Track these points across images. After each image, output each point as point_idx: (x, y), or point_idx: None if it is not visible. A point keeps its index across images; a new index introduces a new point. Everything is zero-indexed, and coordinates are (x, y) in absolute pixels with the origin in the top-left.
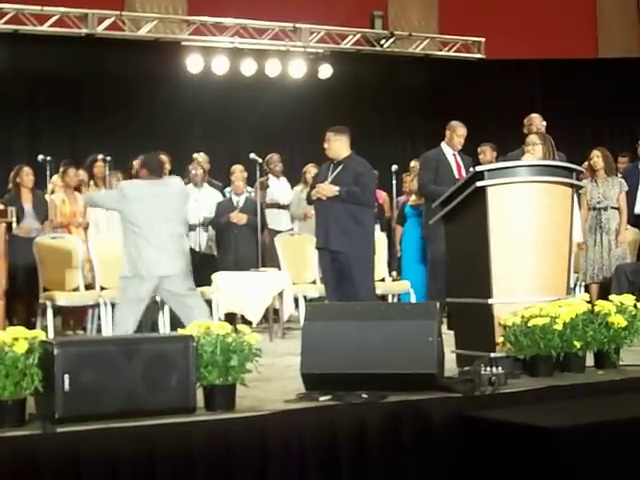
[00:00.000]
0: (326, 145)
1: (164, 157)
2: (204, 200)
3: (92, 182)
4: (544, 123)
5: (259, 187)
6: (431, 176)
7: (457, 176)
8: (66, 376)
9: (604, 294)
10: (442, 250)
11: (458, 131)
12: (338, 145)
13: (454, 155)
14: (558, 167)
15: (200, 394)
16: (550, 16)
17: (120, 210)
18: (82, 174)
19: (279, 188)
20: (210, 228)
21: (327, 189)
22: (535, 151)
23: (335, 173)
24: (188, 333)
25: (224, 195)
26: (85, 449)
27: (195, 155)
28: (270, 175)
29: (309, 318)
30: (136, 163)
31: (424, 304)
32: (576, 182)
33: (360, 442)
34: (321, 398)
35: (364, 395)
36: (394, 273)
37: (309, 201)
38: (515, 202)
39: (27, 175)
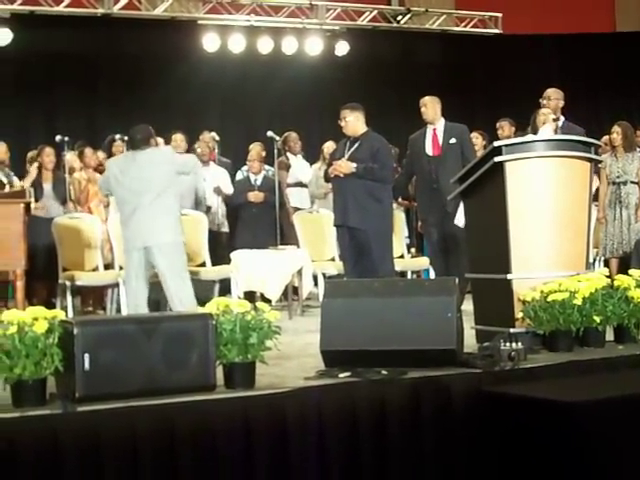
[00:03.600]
0: (342, 123)
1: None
2: (209, 179)
3: None
4: (562, 101)
5: (281, 167)
6: (408, 160)
7: (430, 151)
8: (86, 355)
9: (624, 269)
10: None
11: (420, 105)
12: (354, 122)
13: (434, 129)
14: (576, 142)
15: (220, 372)
16: None
17: (110, 189)
18: (101, 155)
19: (300, 167)
20: (220, 204)
21: (344, 166)
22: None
23: (352, 150)
24: (207, 311)
25: (233, 173)
26: (105, 428)
27: (206, 135)
28: (289, 154)
29: (328, 295)
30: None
31: (443, 280)
32: (594, 156)
33: (380, 418)
34: (341, 375)
35: (384, 371)
36: (413, 250)
37: (326, 178)
38: (533, 177)
39: (48, 156)
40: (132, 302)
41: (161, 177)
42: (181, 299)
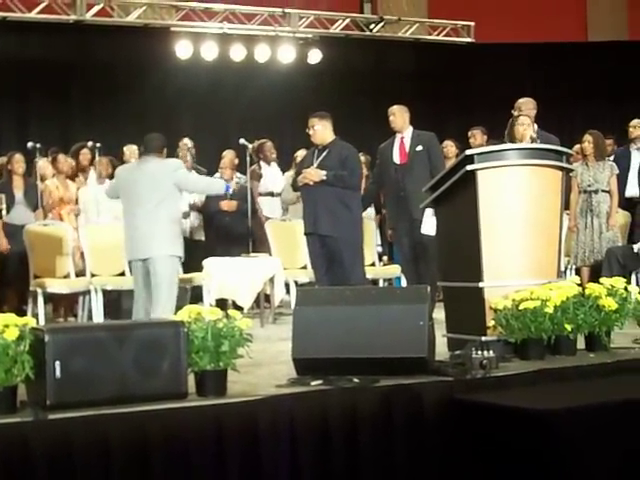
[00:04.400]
0: (310, 131)
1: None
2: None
3: (82, 169)
4: (534, 110)
5: (253, 177)
6: (377, 169)
7: (397, 159)
8: (57, 363)
9: (595, 277)
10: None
11: (388, 114)
12: (322, 130)
13: (402, 137)
14: (548, 150)
15: (192, 380)
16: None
17: (118, 195)
18: (70, 162)
19: (271, 177)
20: (196, 214)
21: (314, 174)
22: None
23: (321, 158)
24: (179, 319)
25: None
26: (77, 436)
27: (185, 141)
28: (262, 162)
29: (300, 303)
30: None
31: (414, 288)
32: (566, 165)
33: (352, 426)
34: (312, 383)
35: (355, 379)
36: (385, 257)
37: (295, 187)
38: (505, 185)
39: (18, 162)
40: (141, 311)
41: (161, 188)
42: (162, 312)
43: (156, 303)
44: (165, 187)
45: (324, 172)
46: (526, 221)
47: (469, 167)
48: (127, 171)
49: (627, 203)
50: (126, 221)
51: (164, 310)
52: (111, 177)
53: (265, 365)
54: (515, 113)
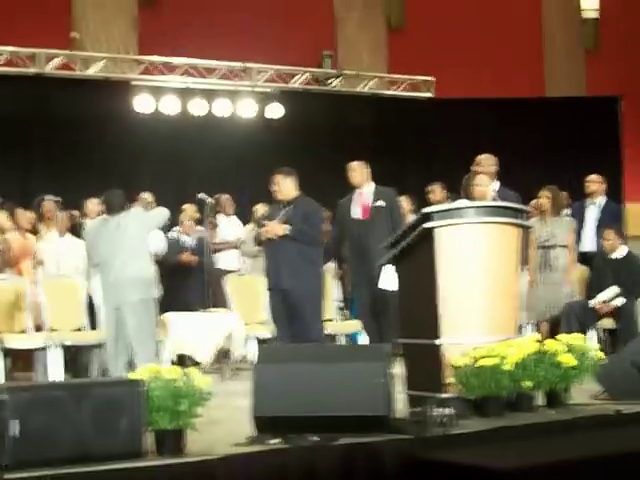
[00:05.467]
0: (275, 188)
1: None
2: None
3: (42, 223)
4: (495, 166)
5: (209, 227)
6: (337, 225)
7: (357, 214)
8: (15, 422)
9: (554, 332)
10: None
11: (347, 170)
12: (287, 187)
13: (360, 193)
14: (506, 208)
15: (151, 439)
16: (498, 56)
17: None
18: (30, 215)
19: (230, 227)
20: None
21: (277, 228)
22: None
23: (284, 213)
24: (138, 377)
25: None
26: None
27: (145, 195)
28: (220, 215)
29: (260, 360)
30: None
31: (374, 346)
32: (524, 223)
33: None
34: (271, 441)
35: (315, 438)
36: (347, 312)
37: (258, 242)
38: (463, 243)
39: None
40: (111, 364)
41: (131, 239)
42: (141, 360)
43: (142, 351)
44: (137, 236)
45: (287, 226)
46: (484, 278)
47: (427, 225)
48: (96, 228)
49: (583, 258)
50: (104, 274)
51: (145, 352)
52: (71, 231)
53: (224, 422)
54: (475, 169)
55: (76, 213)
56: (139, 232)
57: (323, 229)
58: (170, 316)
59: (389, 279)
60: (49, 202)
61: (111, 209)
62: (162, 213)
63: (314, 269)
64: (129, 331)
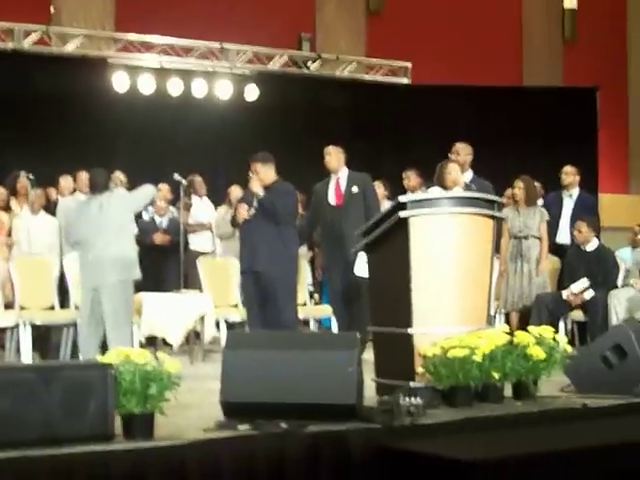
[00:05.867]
0: (252, 175)
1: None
2: None
3: (15, 199)
4: (470, 156)
5: (183, 208)
6: (311, 211)
7: (332, 200)
8: None
9: (524, 322)
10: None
11: (324, 154)
12: (265, 174)
13: (337, 178)
14: (480, 199)
15: (119, 422)
16: (476, 43)
17: (65, 228)
18: (3, 191)
19: (202, 208)
20: None
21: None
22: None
23: (262, 197)
24: (107, 361)
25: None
26: (2, 478)
27: (117, 174)
28: (193, 196)
29: (229, 346)
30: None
31: (344, 334)
32: (497, 214)
33: (278, 472)
34: (240, 427)
35: (283, 425)
36: (316, 296)
37: (233, 224)
38: (437, 232)
39: None
40: (83, 345)
41: (116, 218)
42: (114, 344)
43: (117, 335)
44: (120, 217)
45: (262, 190)
46: (457, 269)
47: (402, 214)
48: (78, 208)
49: (558, 249)
50: (83, 254)
51: (126, 338)
52: (45, 208)
53: (193, 407)
54: (452, 157)
55: (52, 190)
56: (123, 213)
57: (296, 211)
58: (143, 296)
59: (365, 266)
60: (24, 179)
61: (94, 188)
62: (147, 192)
63: (289, 252)
64: (105, 313)
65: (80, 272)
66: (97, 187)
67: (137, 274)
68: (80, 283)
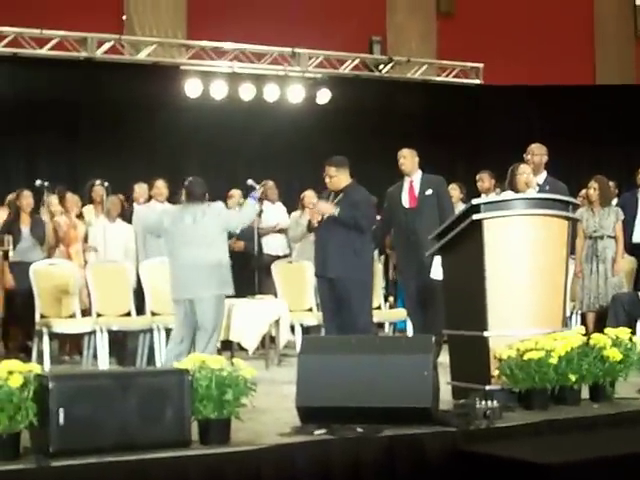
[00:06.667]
0: (327, 179)
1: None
2: None
3: (92, 206)
4: (545, 156)
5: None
6: (386, 214)
7: (406, 203)
8: (61, 410)
9: (600, 323)
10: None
11: (398, 157)
12: (339, 178)
13: (411, 181)
14: (555, 200)
15: (195, 428)
16: (548, 43)
17: (161, 234)
18: (78, 200)
19: (275, 213)
20: None
21: (326, 206)
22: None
23: (335, 202)
24: (183, 367)
25: None
26: None
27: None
28: (265, 201)
29: (304, 351)
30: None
31: (420, 337)
32: (572, 215)
33: (354, 476)
34: (316, 432)
35: (359, 429)
36: (391, 299)
37: (309, 229)
38: (511, 235)
39: (26, 199)
40: (173, 352)
41: (208, 232)
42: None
43: (200, 342)
44: (214, 230)
45: (335, 209)
46: (531, 271)
47: (475, 216)
48: (174, 214)
49: (634, 249)
50: (175, 262)
51: (210, 346)
52: (121, 216)
53: (269, 411)
54: (527, 157)
55: (121, 198)
56: (215, 229)
57: (375, 218)
58: None
59: (441, 269)
60: (100, 187)
61: (191, 197)
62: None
63: (363, 258)
64: (198, 323)
65: (171, 281)
66: (194, 196)
67: (231, 290)
68: (173, 290)
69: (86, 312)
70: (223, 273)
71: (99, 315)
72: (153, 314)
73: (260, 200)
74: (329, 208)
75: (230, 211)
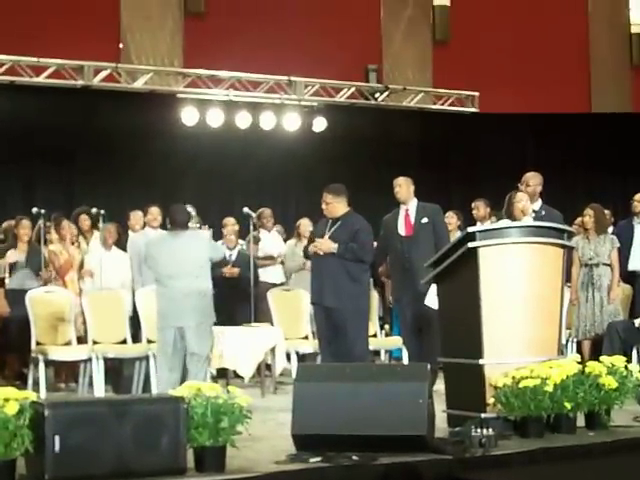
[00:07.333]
0: (324, 206)
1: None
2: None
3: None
4: (540, 186)
5: (251, 241)
6: (381, 242)
7: (402, 231)
8: (57, 437)
9: (596, 350)
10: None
11: (394, 185)
12: (336, 205)
13: (407, 209)
14: (550, 228)
15: (191, 455)
16: (544, 71)
17: (146, 262)
18: (73, 228)
19: (271, 241)
20: None
21: (325, 244)
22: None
23: (333, 230)
24: (179, 394)
25: None
26: None
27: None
28: (261, 229)
29: (300, 379)
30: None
31: (415, 365)
32: (567, 243)
33: None
34: (311, 460)
35: (354, 457)
36: (387, 327)
37: (306, 255)
38: (507, 263)
39: (24, 229)
40: (164, 379)
41: (195, 260)
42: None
43: (192, 367)
44: (201, 259)
45: (335, 245)
46: (527, 298)
47: (470, 244)
48: (159, 243)
49: (629, 277)
50: (162, 290)
51: (200, 373)
52: (117, 244)
53: (264, 439)
54: (522, 187)
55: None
56: (203, 255)
57: (372, 246)
58: (214, 330)
59: (435, 297)
60: (84, 215)
61: (175, 224)
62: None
63: (359, 287)
64: (188, 349)
65: (161, 306)
66: (177, 224)
67: (213, 318)
68: (162, 318)
69: (82, 339)
70: (207, 303)
71: (95, 342)
72: (149, 342)
73: (257, 228)
74: (328, 246)
75: (214, 243)
